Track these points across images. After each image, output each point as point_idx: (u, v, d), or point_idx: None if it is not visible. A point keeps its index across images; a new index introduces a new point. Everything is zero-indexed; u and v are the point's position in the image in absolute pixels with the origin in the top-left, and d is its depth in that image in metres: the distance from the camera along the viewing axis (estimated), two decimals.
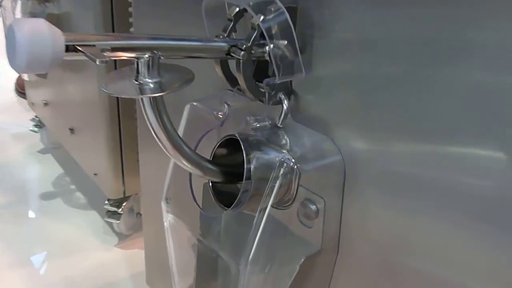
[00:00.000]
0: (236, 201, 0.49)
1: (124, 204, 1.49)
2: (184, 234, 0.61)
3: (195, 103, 0.59)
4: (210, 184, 0.53)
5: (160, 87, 0.45)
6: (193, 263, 0.61)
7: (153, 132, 0.48)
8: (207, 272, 0.60)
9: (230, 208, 0.49)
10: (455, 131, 0.40)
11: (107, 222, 1.54)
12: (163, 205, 0.62)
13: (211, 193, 0.53)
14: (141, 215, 1.21)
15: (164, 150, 0.49)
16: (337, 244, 0.52)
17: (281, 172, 0.48)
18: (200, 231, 0.59)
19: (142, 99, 0.46)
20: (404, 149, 0.45)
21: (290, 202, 0.51)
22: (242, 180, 0.48)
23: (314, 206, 0.50)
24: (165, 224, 0.62)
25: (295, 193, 0.50)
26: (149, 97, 0.45)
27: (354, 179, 0.49)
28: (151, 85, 0.45)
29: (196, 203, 0.57)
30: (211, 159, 0.53)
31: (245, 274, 0.48)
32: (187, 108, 0.60)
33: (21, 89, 2.24)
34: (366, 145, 0.48)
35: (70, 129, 1.61)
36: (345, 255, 0.52)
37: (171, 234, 0.62)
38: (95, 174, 1.51)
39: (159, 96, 0.45)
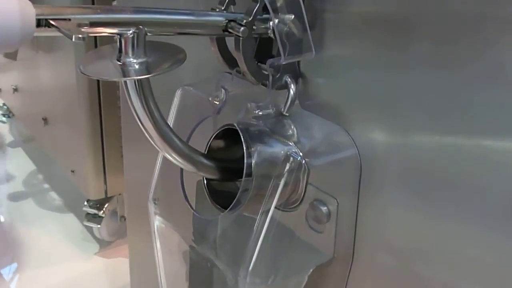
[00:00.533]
0: (234, 201, 0.49)
1: (106, 206, 1.50)
2: (175, 240, 0.61)
3: (187, 88, 0.59)
4: (205, 182, 0.53)
5: (146, 68, 0.45)
6: (184, 274, 0.62)
7: (138, 121, 0.48)
8: (201, 284, 0.60)
9: (228, 209, 0.49)
10: (493, 122, 0.40)
11: (86, 226, 1.55)
12: (150, 206, 0.62)
13: (205, 193, 0.53)
14: (125, 218, 1.21)
15: (152, 142, 0.49)
16: (351, 251, 0.52)
17: (287, 168, 0.48)
18: (193, 236, 0.59)
19: (125, 82, 0.46)
20: (430, 141, 0.45)
21: (298, 203, 0.51)
22: (241, 178, 0.48)
23: (326, 208, 0.50)
24: (153, 228, 0.63)
25: (303, 192, 0.50)
26: (134, 80, 0.45)
27: (372, 177, 0.49)
28: (136, 66, 0.45)
29: (189, 204, 0.57)
30: (205, 152, 0.53)
31: (245, 286, 0.48)
32: (178, 93, 0.60)
33: None
34: (385, 136, 0.48)
35: (43, 119, 1.62)
36: (361, 265, 0.52)
37: (160, 240, 0.63)
38: (73, 171, 1.52)
39: (145, 78, 0.46)
